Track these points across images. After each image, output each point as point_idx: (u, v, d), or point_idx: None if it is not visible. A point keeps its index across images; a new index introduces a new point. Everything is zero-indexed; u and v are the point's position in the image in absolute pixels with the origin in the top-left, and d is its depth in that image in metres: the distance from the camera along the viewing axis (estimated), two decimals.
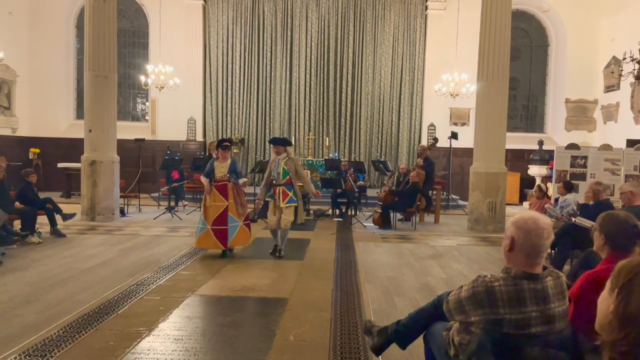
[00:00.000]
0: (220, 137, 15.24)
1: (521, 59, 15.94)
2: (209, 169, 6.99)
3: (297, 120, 15.50)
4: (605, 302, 1.59)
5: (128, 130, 13.93)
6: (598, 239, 2.72)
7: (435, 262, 7.05)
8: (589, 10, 14.92)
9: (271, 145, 7.22)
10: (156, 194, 12.95)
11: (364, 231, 9.55)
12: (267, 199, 7.01)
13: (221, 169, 6.94)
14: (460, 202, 13.42)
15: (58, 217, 8.39)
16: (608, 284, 1.60)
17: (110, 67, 9.98)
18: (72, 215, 8.75)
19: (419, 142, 15.12)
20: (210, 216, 6.81)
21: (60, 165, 13.63)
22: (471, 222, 9.97)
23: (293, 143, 15.19)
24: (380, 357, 3.41)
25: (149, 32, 15.32)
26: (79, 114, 15.10)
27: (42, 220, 8.26)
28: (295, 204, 6.84)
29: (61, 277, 5.71)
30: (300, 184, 7.20)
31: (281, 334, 4.09)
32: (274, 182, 6.83)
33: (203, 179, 6.98)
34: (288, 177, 6.79)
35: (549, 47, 15.96)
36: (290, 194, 6.81)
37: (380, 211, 10.07)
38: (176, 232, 8.91)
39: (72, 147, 13.95)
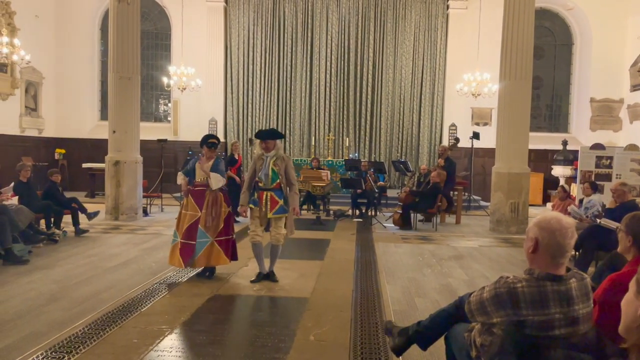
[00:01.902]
0: (241, 138, 15.37)
1: (545, 57, 15.71)
2: (191, 168, 5.89)
3: (317, 121, 15.52)
4: (632, 305, 1.56)
5: (151, 131, 14.11)
6: (624, 241, 2.67)
7: (456, 263, 6.99)
8: (615, 8, 14.63)
9: (258, 141, 5.66)
10: (178, 194, 13.09)
11: (384, 232, 9.52)
12: (250, 205, 5.71)
13: (201, 170, 5.79)
14: (482, 203, 13.29)
15: (83, 217, 8.56)
16: (633, 287, 1.57)
17: (133, 69, 10.13)
18: (96, 214, 8.90)
19: (440, 142, 15.01)
20: (182, 226, 5.67)
21: (84, 165, 13.87)
22: (493, 223, 9.87)
23: (313, 143, 15.24)
24: (400, 357, 3.39)
25: (171, 34, 15.50)
26: (103, 115, 15.35)
27: (68, 219, 8.44)
28: (286, 214, 5.64)
29: (86, 276, 5.82)
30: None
31: (301, 333, 4.10)
32: (260, 184, 5.59)
33: (181, 178, 5.89)
34: (278, 180, 5.55)
35: (573, 45, 15.70)
36: (280, 201, 5.56)
37: (400, 212, 10.02)
38: None
39: (96, 148, 14.19)
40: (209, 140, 5.86)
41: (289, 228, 5.74)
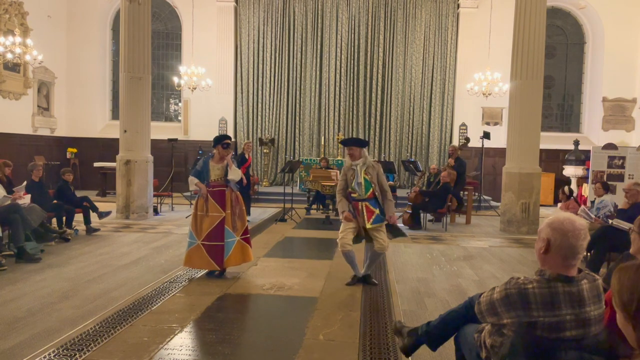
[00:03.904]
0: (250, 137, 15.41)
1: (556, 57, 15.58)
2: (202, 168, 5.83)
3: (326, 120, 15.51)
4: (625, 329, 1.54)
5: (161, 131, 14.19)
6: (637, 242, 2.65)
7: (466, 263, 6.96)
8: (627, 7, 14.49)
9: (344, 148, 5.60)
10: (188, 193, 13.15)
11: None
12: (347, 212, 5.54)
13: (217, 170, 5.79)
14: (493, 203, 13.21)
15: (94, 215, 8.62)
16: (620, 309, 1.55)
17: (144, 69, 10.19)
18: (107, 214, 8.97)
19: (450, 142, 14.95)
20: (203, 229, 5.66)
21: (96, 164, 13.98)
22: (504, 224, 9.81)
23: (323, 142, 15.25)
24: (410, 358, 3.39)
25: (181, 33, 15.57)
26: (115, 115, 15.45)
27: (79, 218, 8.51)
28: (384, 222, 5.51)
29: (97, 274, 5.87)
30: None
31: (311, 333, 4.11)
32: (353, 195, 5.47)
33: (194, 181, 5.78)
34: (371, 189, 5.43)
35: (585, 44, 15.56)
36: (376, 211, 5.43)
37: (410, 212, 10.00)
38: None
39: (107, 147, 14.31)
40: (225, 141, 5.82)
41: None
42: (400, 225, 9.88)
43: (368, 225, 5.40)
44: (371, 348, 3.83)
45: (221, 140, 5.84)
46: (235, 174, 5.82)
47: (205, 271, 5.94)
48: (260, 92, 15.62)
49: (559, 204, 9.17)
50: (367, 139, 15.39)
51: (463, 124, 15.11)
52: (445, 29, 15.22)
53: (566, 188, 9.13)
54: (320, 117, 15.56)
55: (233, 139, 15.34)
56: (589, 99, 15.48)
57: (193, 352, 3.72)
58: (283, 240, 8.24)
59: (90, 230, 8.36)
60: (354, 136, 15.20)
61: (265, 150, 15.26)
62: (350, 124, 15.52)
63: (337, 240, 5.52)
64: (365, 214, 5.41)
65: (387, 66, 15.38)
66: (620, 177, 10.68)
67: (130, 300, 4.86)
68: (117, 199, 10.29)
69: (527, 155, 9.61)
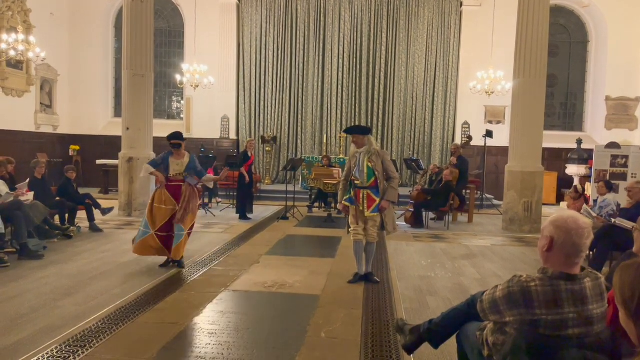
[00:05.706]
0: (253, 135, 15.39)
1: (560, 55, 15.54)
2: (160, 161, 6.10)
3: (329, 119, 15.50)
4: (627, 327, 1.54)
5: (164, 128, 14.06)
6: None
7: (468, 262, 6.95)
8: (631, 5, 14.45)
9: (348, 136, 5.84)
10: None
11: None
12: (345, 202, 5.57)
13: (176, 166, 6.01)
14: (495, 202, 13.20)
15: (97, 212, 8.63)
16: (622, 306, 1.55)
17: (147, 67, 10.20)
18: (110, 210, 8.97)
19: (453, 140, 14.93)
20: (156, 220, 5.87)
21: (98, 162, 14.00)
22: (506, 222, 9.80)
23: (325, 141, 15.25)
24: (412, 356, 3.39)
25: (184, 31, 15.57)
26: (117, 112, 15.47)
27: (82, 215, 8.52)
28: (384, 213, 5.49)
29: (100, 271, 5.88)
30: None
31: (313, 330, 4.11)
32: (356, 182, 5.43)
33: (149, 169, 6.08)
34: (374, 177, 5.37)
35: (588, 43, 15.52)
36: (377, 200, 5.39)
37: (412, 210, 10.00)
38: (210, 228, 9.05)
39: (110, 145, 14.31)
40: (172, 142, 6.01)
41: (391, 224, 5.54)
42: (401, 223, 9.96)
43: (367, 214, 5.42)
44: (373, 346, 3.83)
45: (169, 139, 6.05)
46: (209, 183, 6.54)
47: (209, 268, 6.00)
48: (262, 90, 15.61)
49: (565, 202, 9.13)
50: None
51: (465, 123, 15.09)
52: (448, 27, 15.19)
53: (578, 187, 9.10)
54: (323, 115, 15.55)
55: (234, 137, 15.38)
56: (592, 97, 15.44)
57: (195, 349, 3.72)
58: (285, 238, 8.25)
59: (94, 228, 8.36)
60: None
61: (267, 148, 15.26)
62: (353, 122, 15.48)
63: (350, 230, 5.63)
64: (365, 202, 5.39)
65: (389, 64, 15.36)
66: (623, 176, 10.66)
67: (132, 297, 4.87)
68: (120, 196, 10.30)
69: (530, 154, 9.59)
